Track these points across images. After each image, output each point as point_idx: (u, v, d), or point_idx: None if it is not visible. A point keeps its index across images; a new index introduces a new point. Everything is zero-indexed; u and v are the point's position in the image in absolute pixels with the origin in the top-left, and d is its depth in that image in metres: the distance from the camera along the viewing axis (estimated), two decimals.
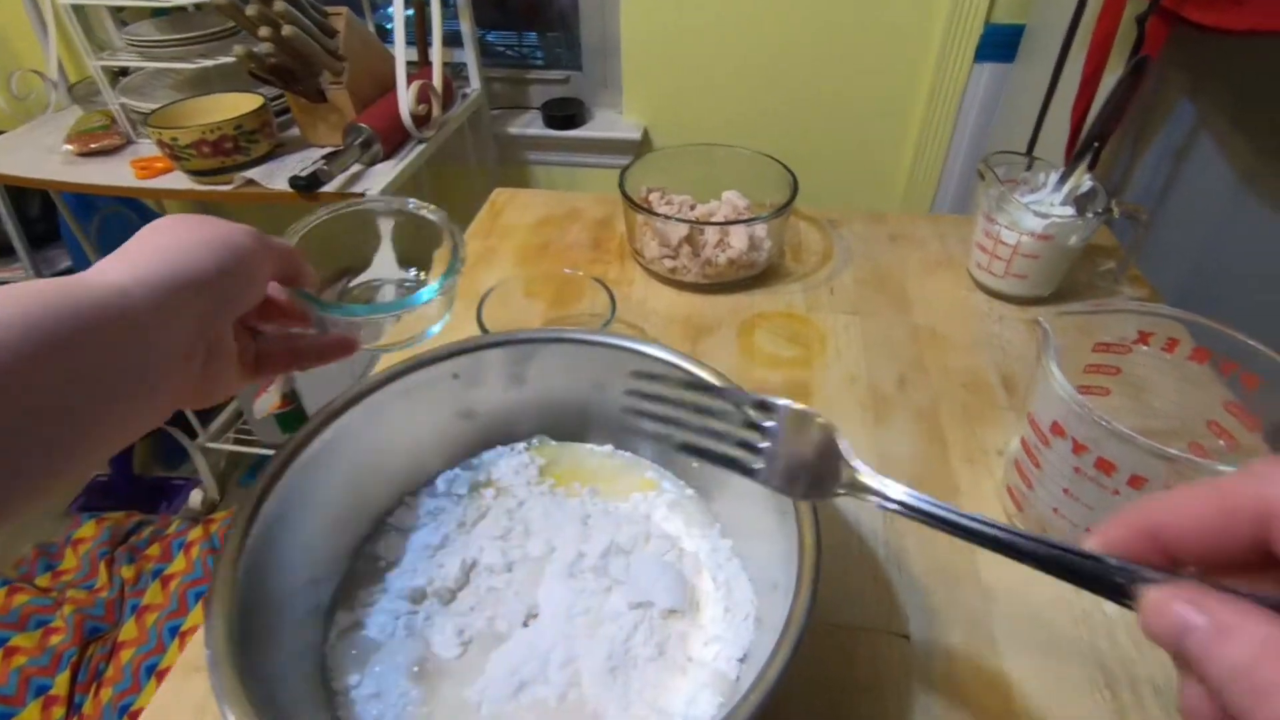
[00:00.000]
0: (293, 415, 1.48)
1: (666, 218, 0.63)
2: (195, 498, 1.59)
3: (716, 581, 0.37)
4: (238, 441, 1.60)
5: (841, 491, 0.24)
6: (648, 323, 0.61)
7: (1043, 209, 0.58)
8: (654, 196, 0.70)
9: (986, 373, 0.56)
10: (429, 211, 0.43)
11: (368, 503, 0.39)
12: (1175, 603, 0.15)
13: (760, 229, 0.65)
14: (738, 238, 0.63)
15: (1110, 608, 0.40)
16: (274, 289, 0.34)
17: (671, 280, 0.66)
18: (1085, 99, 0.78)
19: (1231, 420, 0.39)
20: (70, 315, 0.23)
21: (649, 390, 0.27)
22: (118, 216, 1.37)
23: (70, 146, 1.09)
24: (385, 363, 0.45)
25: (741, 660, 0.33)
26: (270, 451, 1.55)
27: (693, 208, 0.70)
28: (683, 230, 0.63)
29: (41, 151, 1.10)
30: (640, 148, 1.37)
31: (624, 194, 0.65)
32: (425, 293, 0.39)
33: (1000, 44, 1.15)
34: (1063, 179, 0.59)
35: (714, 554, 0.38)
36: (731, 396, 0.26)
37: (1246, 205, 0.73)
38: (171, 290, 0.26)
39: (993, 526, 0.19)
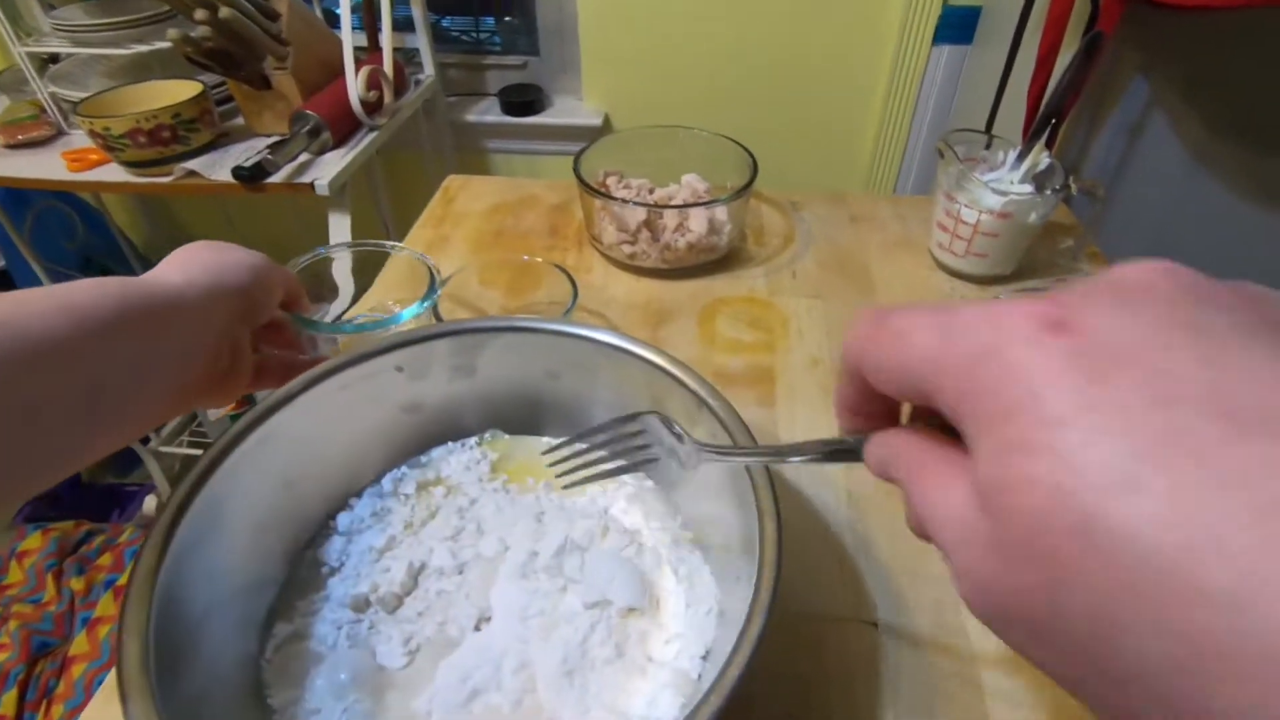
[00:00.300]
0: None
1: (623, 201, 0.61)
2: (150, 504, 1.53)
3: (678, 575, 0.35)
4: (192, 445, 1.54)
5: (709, 454, 0.28)
6: (607, 310, 0.60)
7: (1002, 187, 0.57)
8: (611, 180, 0.68)
9: None
10: (411, 252, 0.51)
11: (306, 506, 0.37)
12: (873, 447, 0.20)
13: (721, 212, 0.63)
14: (697, 221, 0.62)
15: None
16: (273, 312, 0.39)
17: (630, 266, 0.64)
18: (1042, 77, 0.78)
19: None
20: (146, 304, 0.29)
21: (565, 454, 0.31)
22: (53, 212, 1.31)
23: None
24: None
25: (704, 658, 0.31)
26: None
27: (651, 191, 0.68)
28: (640, 214, 0.61)
29: None
30: (601, 134, 1.34)
31: (579, 178, 0.63)
32: (405, 313, 0.44)
33: (958, 25, 1.15)
34: (1021, 156, 0.59)
35: (675, 547, 0.36)
36: (610, 424, 0.31)
37: (1199, 181, 0.73)
38: (215, 295, 0.33)
39: (776, 449, 0.25)
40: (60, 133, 1.07)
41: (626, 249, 0.63)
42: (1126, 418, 0.12)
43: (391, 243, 0.52)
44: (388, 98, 1.09)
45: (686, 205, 0.61)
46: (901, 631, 0.38)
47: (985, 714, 0.34)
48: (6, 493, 0.25)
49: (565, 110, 1.36)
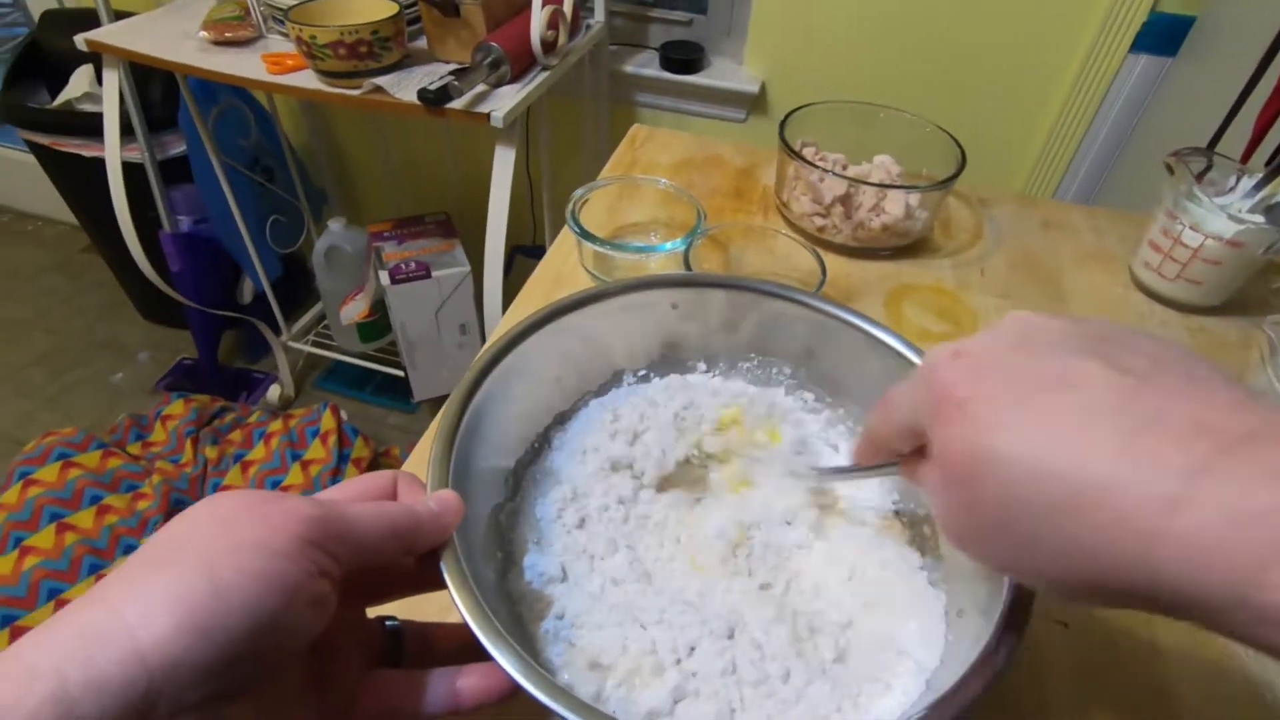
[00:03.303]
0: (375, 326, 1.52)
1: (826, 171, 0.61)
2: (273, 392, 1.65)
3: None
4: (316, 344, 1.65)
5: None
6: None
7: (1232, 213, 0.55)
8: (808, 151, 0.68)
9: None
10: (680, 190, 0.58)
11: (565, 396, 0.40)
12: (903, 467, 0.28)
13: (915, 198, 0.63)
14: (894, 204, 0.62)
15: None
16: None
17: (817, 239, 0.64)
18: (1277, 102, 0.73)
19: None
20: None
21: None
22: (234, 111, 1.40)
23: (206, 34, 1.10)
24: None
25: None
26: (347, 359, 1.59)
27: (845, 167, 0.68)
28: (840, 188, 0.61)
29: (178, 36, 1.11)
30: (755, 102, 1.33)
31: (783, 141, 0.63)
32: (672, 244, 0.49)
33: (1163, 35, 1.08)
34: (1260, 184, 0.56)
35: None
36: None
37: None
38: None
39: (863, 468, 0.31)
40: (260, 35, 1.14)
41: (818, 221, 0.63)
42: (994, 394, 0.21)
43: (652, 178, 0.57)
44: (562, 39, 1.11)
45: (889, 186, 0.61)
46: (1092, 629, 0.38)
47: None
48: None
49: (723, 73, 1.35)
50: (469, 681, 0.26)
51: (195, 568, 0.20)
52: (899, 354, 0.37)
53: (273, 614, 0.20)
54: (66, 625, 0.18)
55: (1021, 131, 1.25)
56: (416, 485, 0.28)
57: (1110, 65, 1.12)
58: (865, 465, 0.30)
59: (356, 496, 0.26)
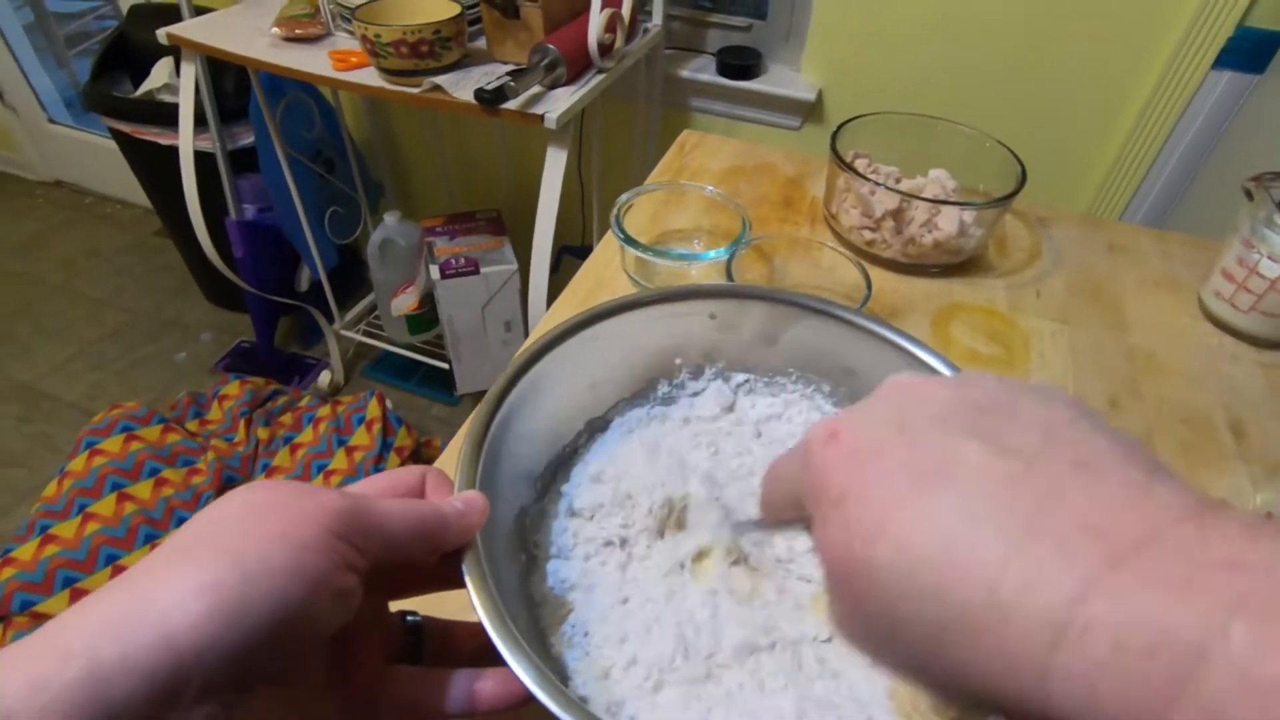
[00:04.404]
0: (424, 318, 1.56)
1: (877, 184, 0.60)
2: (324, 379, 1.70)
3: None
4: (367, 334, 1.69)
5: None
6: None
7: None
8: (860, 163, 0.66)
9: (1212, 412, 0.51)
10: (726, 198, 0.57)
11: (600, 402, 0.40)
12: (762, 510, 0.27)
13: (970, 215, 0.61)
14: (947, 220, 0.60)
15: None
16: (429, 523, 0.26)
17: (865, 253, 0.63)
18: None
19: None
20: None
21: None
22: (300, 104, 1.44)
23: (278, 30, 1.14)
24: None
25: None
26: (395, 349, 1.63)
27: (898, 181, 0.66)
28: (891, 203, 0.60)
29: (252, 32, 1.16)
30: (811, 110, 1.31)
31: (834, 153, 0.62)
32: (715, 252, 0.49)
33: (1250, 51, 1.02)
34: None
35: None
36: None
37: None
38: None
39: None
40: (328, 33, 1.18)
41: (866, 234, 0.62)
42: (871, 490, 0.19)
43: (699, 184, 0.55)
44: (619, 42, 1.12)
45: (943, 202, 0.59)
46: None
47: None
48: None
49: (779, 79, 1.33)
50: (486, 685, 0.26)
51: (225, 556, 0.20)
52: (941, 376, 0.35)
53: (298, 603, 0.21)
54: (100, 607, 0.19)
55: (1089, 149, 1.20)
56: (445, 483, 0.28)
57: (1190, 82, 1.07)
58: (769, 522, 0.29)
59: (386, 491, 0.27)
